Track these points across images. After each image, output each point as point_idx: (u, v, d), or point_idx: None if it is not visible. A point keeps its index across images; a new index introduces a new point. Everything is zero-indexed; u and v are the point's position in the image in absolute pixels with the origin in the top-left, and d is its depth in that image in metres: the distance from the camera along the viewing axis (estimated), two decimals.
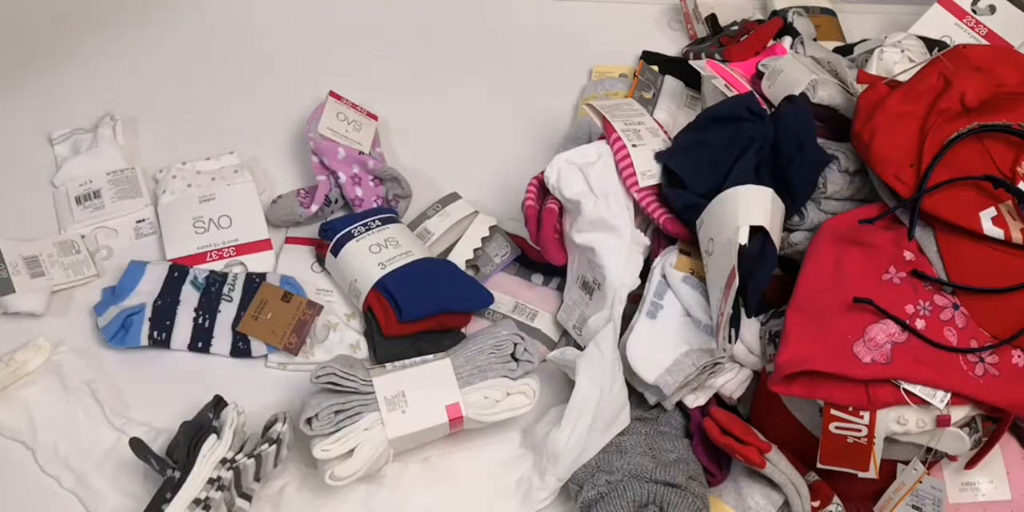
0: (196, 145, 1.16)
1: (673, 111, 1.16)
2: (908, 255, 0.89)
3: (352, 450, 0.88)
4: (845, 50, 1.17)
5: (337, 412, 0.89)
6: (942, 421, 0.82)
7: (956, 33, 1.20)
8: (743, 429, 0.88)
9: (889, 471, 0.86)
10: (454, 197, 1.10)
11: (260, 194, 1.12)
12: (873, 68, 1.05)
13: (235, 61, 1.25)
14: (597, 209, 0.97)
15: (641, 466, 0.88)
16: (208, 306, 1.02)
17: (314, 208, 1.09)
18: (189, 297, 1.03)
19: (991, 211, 0.89)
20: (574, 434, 0.91)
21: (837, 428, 0.82)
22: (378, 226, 1.04)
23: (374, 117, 1.16)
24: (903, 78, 0.95)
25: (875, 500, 0.88)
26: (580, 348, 0.97)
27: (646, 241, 0.98)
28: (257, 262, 1.08)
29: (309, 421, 0.88)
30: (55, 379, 0.98)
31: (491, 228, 1.07)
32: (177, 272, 1.04)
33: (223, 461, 0.87)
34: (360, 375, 0.90)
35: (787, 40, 1.13)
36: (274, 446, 0.88)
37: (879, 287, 0.86)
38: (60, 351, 1.00)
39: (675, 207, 0.97)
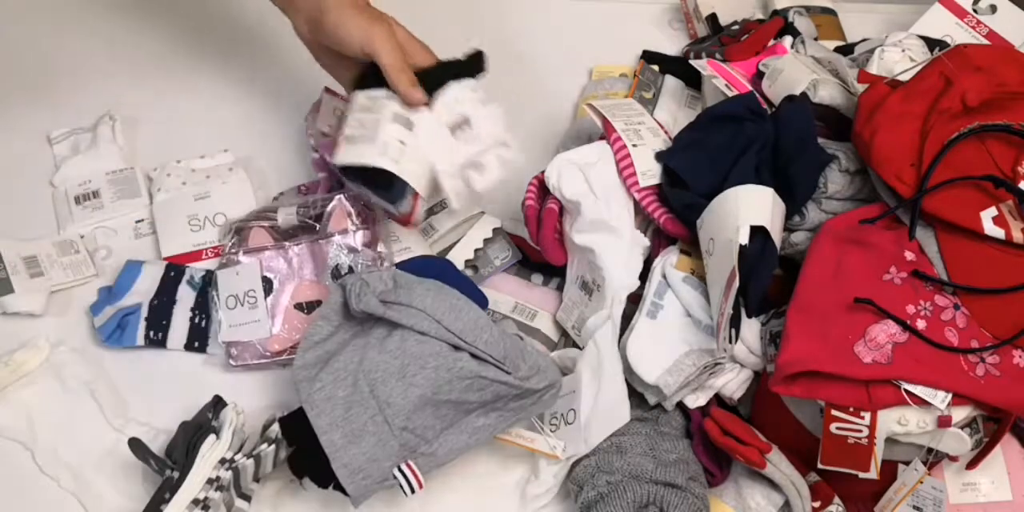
0: (194, 144, 1.15)
1: (673, 111, 1.16)
2: (909, 255, 0.89)
3: None
4: (846, 50, 1.17)
5: None
6: (943, 421, 0.82)
7: (957, 33, 1.20)
8: (743, 429, 0.88)
9: (890, 472, 0.86)
10: None
11: (255, 191, 1.12)
12: (874, 68, 1.05)
13: (230, 59, 1.25)
14: (597, 210, 0.97)
15: (641, 466, 0.88)
16: (204, 306, 1.02)
17: None
18: (185, 297, 1.02)
19: (992, 211, 0.88)
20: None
21: (838, 429, 0.82)
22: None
23: None
24: (904, 78, 0.95)
25: (876, 501, 0.88)
26: (579, 348, 0.97)
27: (646, 242, 0.98)
28: None
29: None
30: (54, 379, 0.98)
31: (494, 230, 1.07)
32: (173, 271, 1.04)
33: (222, 461, 0.87)
34: None
35: (788, 39, 1.12)
36: (273, 446, 0.88)
37: (880, 287, 0.86)
38: (59, 351, 1.00)
39: (675, 207, 0.97)
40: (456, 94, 0.94)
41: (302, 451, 0.87)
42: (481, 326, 0.87)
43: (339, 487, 0.86)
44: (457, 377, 0.85)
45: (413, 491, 0.86)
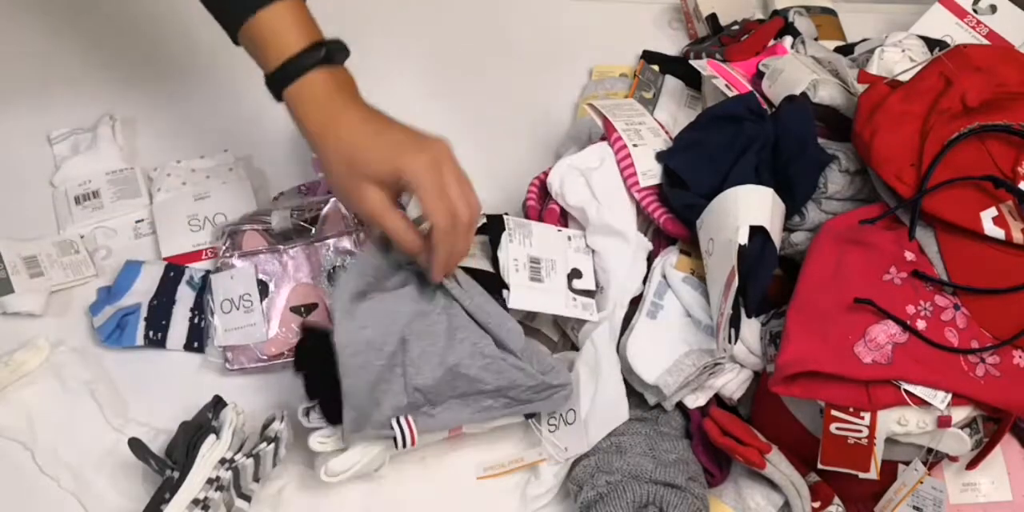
0: (194, 144, 1.15)
1: (673, 111, 1.16)
2: (909, 255, 0.88)
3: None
4: (846, 50, 1.17)
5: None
6: (943, 422, 0.82)
7: (957, 33, 1.20)
8: (743, 430, 0.88)
9: (890, 472, 0.86)
10: None
11: (255, 191, 1.12)
12: (874, 68, 1.05)
13: (231, 59, 1.25)
14: (601, 215, 0.97)
15: (641, 467, 0.88)
16: (204, 306, 1.02)
17: None
18: (185, 297, 1.02)
19: (992, 211, 0.88)
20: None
21: (838, 429, 0.82)
22: None
23: None
24: (904, 78, 0.95)
25: (876, 501, 0.88)
26: (577, 350, 0.97)
27: (649, 246, 0.98)
28: None
29: (307, 412, 0.88)
30: (54, 379, 0.98)
31: None
32: (173, 271, 1.04)
33: (222, 461, 0.87)
34: None
35: (788, 40, 1.12)
36: (272, 445, 0.88)
37: (880, 287, 0.86)
38: (59, 351, 0.99)
39: (675, 207, 0.97)
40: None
41: (316, 373, 0.87)
42: (505, 316, 0.90)
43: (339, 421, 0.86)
44: (480, 353, 0.87)
45: (405, 445, 0.87)
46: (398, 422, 0.86)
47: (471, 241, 0.86)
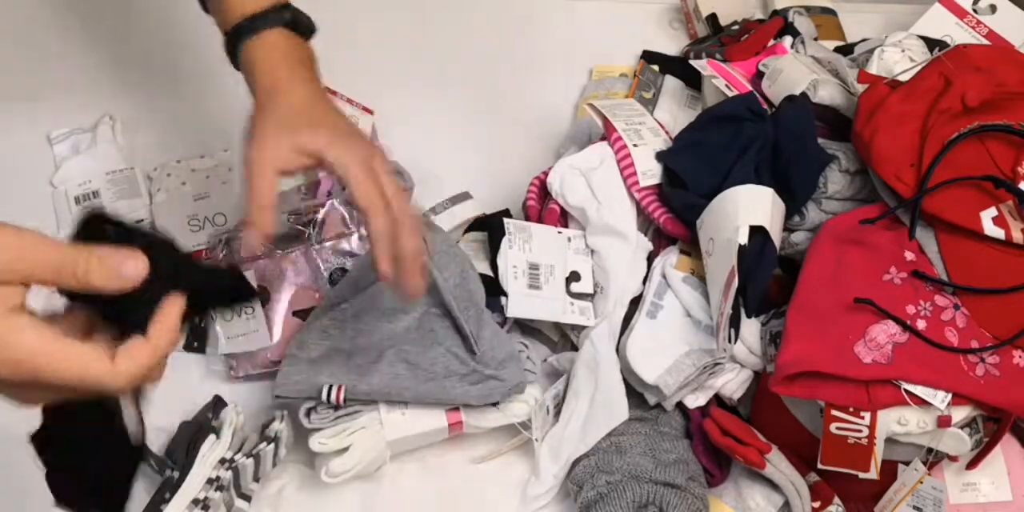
0: (194, 144, 1.15)
1: (674, 111, 1.16)
2: (909, 255, 0.89)
3: (348, 446, 0.88)
4: (846, 50, 1.17)
5: (336, 407, 0.88)
6: (943, 422, 0.82)
7: (957, 33, 1.20)
8: (743, 430, 0.88)
9: (890, 472, 0.86)
10: (464, 196, 1.09)
11: None
12: (874, 68, 1.05)
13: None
14: (601, 215, 0.97)
15: (641, 466, 0.88)
16: None
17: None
18: None
19: (992, 211, 0.88)
20: (570, 426, 0.91)
21: (838, 429, 0.82)
22: None
23: (370, 111, 1.16)
24: (904, 78, 0.95)
25: (876, 501, 0.88)
26: (577, 349, 0.97)
27: (649, 246, 0.98)
28: None
29: (308, 413, 0.88)
30: None
31: None
32: None
33: (222, 461, 0.87)
34: None
35: (788, 40, 1.12)
36: (272, 445, 0.88)
37: (880, 287, 0.86)
38: None
39: (675, 207, 0.97)
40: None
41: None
42: (475, 301, 0.91)
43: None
44: (418, 330, 0.89)
45: (330, 401, 0.88)
46: (328, 390, 0.87)
47: (418, 241, 0.77)
